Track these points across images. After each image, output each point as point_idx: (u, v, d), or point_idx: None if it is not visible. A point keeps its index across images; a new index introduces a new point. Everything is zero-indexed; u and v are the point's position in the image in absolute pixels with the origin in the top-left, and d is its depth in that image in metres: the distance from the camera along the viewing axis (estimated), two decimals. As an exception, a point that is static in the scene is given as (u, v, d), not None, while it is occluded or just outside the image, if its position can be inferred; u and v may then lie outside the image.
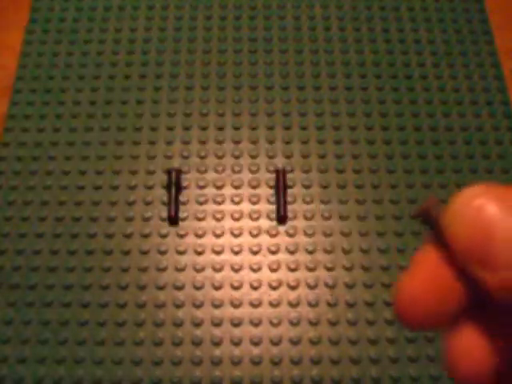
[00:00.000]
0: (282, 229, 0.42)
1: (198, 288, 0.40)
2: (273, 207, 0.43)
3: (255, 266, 0.41)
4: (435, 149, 0.45)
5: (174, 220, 0.42)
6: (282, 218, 0.42)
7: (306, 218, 0.42)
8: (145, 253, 0.41)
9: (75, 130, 0.46)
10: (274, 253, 0.41)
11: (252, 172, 0.44)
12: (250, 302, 0.39)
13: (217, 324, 0.39)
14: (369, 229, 0.42)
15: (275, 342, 0.38)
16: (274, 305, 0.39)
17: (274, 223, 0.42)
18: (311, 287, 0.40)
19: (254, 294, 0.40)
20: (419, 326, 0.14)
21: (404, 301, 0.14)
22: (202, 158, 0.45)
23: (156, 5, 0.52)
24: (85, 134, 0.45)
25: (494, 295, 0.12)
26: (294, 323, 0.39)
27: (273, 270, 0.40)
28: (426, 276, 0.14)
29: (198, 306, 0.39)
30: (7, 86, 0.48)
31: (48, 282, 0.40)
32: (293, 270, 0.40)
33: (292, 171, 0.44)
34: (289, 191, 0.43)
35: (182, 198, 0.43)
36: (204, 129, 0.46)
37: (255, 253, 0.41)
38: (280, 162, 0.45)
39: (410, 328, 0.14)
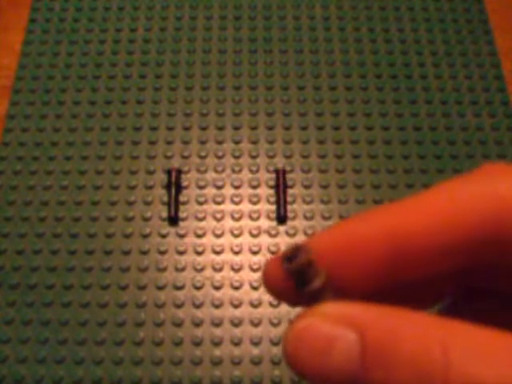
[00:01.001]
0: (282, 229, 0.42)
1: (197, 288, 0.40)
2: (273, 207, 0.43)
3: (255, 266, 0.41)
4: (435, 149, 0.45)
5: (173, 220, 0.42)
6: (282, 218, 0.42)
7: (306, 218, 0.42)
8: (145, 253, 0.41)
9: (75, 130, 0.46)
10: (274, 253, 0.41)
11: (252, 172, 0.44)
12: (250, 301, 0.39)
13: (217, 324, 0.39)
14: (369, 229, 0.42)
15: (275, 342, 0.38)
16: (273, 305, 0.39)
17: (274, 223, 0.42)
18: (311, 287, 0.40)
19: (254, 294, 0.40)
20: None
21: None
22: (202, 157, 0.45)
23: (156, 5, 0.52)
24: (85, 133, 0.45)
25: None
26: (294, 323, 0.39)
27: (273, 270, 0.40)
28: None
29: (198, 306, 0.39)
30: (7, 86, 0.48)
31: (48, 281, 0.40)
32: (293, 270, 0.40)
33: (292, 171, 0.44)
34: (289, 191, 0.43)
35: (182, 198, 0.43)
36: (204, 129, 0.46)
37: (255, 253, 0.41)
38: (280, 162, 0.45)
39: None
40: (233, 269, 0.40)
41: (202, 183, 0.44)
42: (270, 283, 0.15)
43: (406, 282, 0.14)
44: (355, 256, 0.14)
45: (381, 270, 0.14)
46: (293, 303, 0.15)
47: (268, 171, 0.44)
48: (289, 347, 0.13)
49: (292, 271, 0.13)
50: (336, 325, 0.12)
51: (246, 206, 0.43)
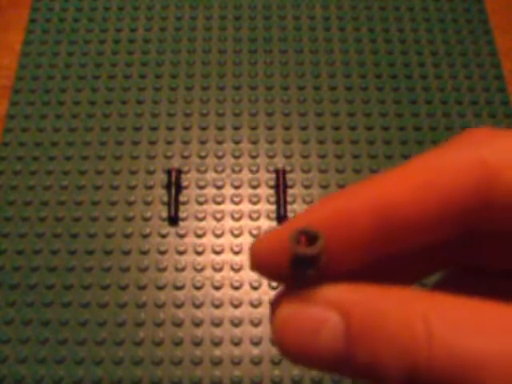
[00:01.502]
0: (281, 229, 0.42)
1: (197, 288, 0.40)
2: (273, 207, 0.43)
3: (255, 266, 0.40)
4: (435, 149, 0.45)
5: (173, 220, 0.42)
6: (282, 218, 0.42)
7: (306, 218, 0.42)
8: (145, 253, 0.41)
9: (75, 130, 0.46)
10: (273, 253, 0.41)
11: (252, 172, 0.44)
12: (250, 301, 0.39)
13: (217, 324, 0.39)
14: (369, 229, 0.42)
15: (275, 342, 0.38)
16: (273, 305, 0.39)
17: (274, 223, 0.42)
18: (311, 287, 0.40)
19: (254, 294, 0.40)
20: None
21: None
22: (202, 158, 0.45)
23: (156, 5, 0.52)
24: (85, 133, 0.45)
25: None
26: (294, 323, 0.39)
27: (273, 270, 0.40)
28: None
29: (198, 306, 0.39)
30: (7, 85, 0.48)
31: (48, 281, 0.40)
32: (293, 270, 0.40)
33: (292, 171, 0.44)
34: (289, 191, 0.43)
35: (182, 198, 0.43)
36: (204, 129, 0.46)
37: (255, 253, 0.41)
38: (280, 162, 0.45)
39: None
40: (233, 269, 0.40)
41: (202, 183, 0.44)
42: (260, 262, 0.14)
43: (394, 255, 0.14)
44: (341, 231, 0.13)
45: (368, 244, 0.13)
46: (277, 281, 0.15)
47: (268, 171, 0.44)
48: (277, 329, 0.13)
49: (304, 256, 0.13)
50: (322, 307, 0.12)
51: (245, 206, 0.43)
